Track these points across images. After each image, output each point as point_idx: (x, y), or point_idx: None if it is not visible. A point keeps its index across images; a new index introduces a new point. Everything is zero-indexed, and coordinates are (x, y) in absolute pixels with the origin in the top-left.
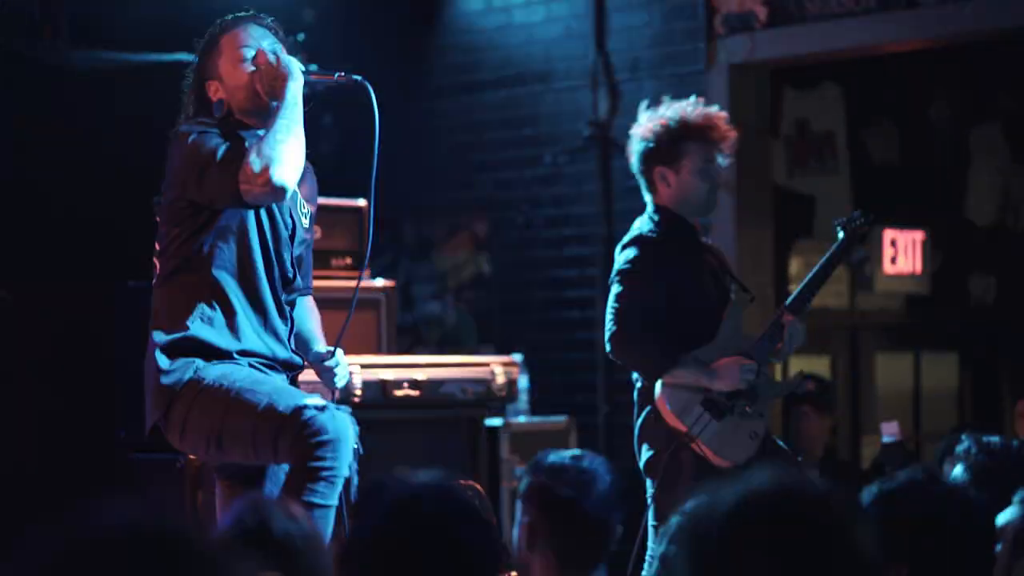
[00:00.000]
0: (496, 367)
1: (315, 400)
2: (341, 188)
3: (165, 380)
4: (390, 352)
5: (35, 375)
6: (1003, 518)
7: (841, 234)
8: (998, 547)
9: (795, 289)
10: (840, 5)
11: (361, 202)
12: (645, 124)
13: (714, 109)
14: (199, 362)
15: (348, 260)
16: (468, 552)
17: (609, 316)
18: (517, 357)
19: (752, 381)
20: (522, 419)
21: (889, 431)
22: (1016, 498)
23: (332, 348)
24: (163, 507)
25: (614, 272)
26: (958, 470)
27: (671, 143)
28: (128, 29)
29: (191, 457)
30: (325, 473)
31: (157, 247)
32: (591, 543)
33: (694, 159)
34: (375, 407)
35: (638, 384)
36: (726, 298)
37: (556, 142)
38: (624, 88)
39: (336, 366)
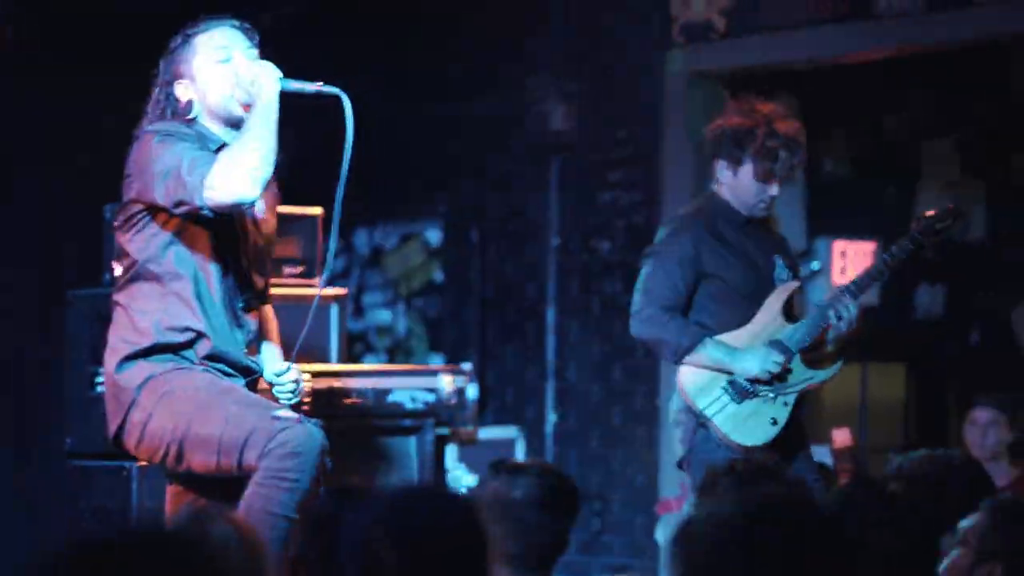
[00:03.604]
0: (446, 376)
1: (287, 412)
2: (295, 195)
3: (122, 387)
4: (340, 360)
5: None
6: (966, 523)
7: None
8: (955, 553)
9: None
10: (797, 16)
11: (316, 210)
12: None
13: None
14: (159, 368)
15: (301, 268)
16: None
17: (635, 295)
18: (467, 366)
19: (776, 372)
20: (470, 428)
21: (841, 438)
22: (982, 505)
23: (287, 365)
24: (111, 515)
25: (646, 252)
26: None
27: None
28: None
29: (140, 465)
30: (289, 485)
31: (117, 252)
32: (544, 552)
33: (754, 167)
34: (324, 415)
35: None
36: (770, 282)
37: (512, 150)
38: (581, 96)
39: (288, 383)
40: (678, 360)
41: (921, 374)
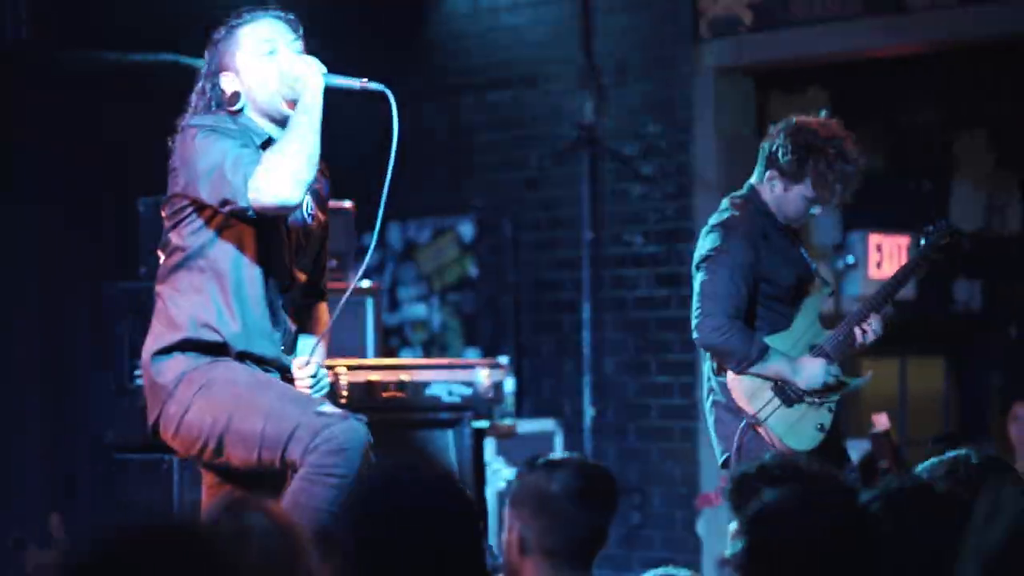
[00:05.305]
0: (482, 370)
1: (331, 407)
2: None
3: (159, 379)
4: (377, 354)
5: (20, 376)
6: None
7: (922, 241)
8: None
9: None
10: (825, 9)
11: (347, 204)
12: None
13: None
14: (195, 360)
15: (335, 262)
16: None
17: (696, 304)
18: (503, 360)
19: (833, 385)
20: (508, 422)
21: (880, 422)
22: None
23: (307, 360)
24: (150, 508)
25: (698, 259)
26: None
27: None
28: (117, 29)
29: (181, 457)
30: (336, 481)
31: (163, 242)
32: (584, 546)
33: (810, 192)
34: (361, 409)
35: (710, 381)
36: (805, 286)
37: (543, 145)
38: (610, 91)
39: (305, 378)
40: (742, 370)
41: (960, 367)
